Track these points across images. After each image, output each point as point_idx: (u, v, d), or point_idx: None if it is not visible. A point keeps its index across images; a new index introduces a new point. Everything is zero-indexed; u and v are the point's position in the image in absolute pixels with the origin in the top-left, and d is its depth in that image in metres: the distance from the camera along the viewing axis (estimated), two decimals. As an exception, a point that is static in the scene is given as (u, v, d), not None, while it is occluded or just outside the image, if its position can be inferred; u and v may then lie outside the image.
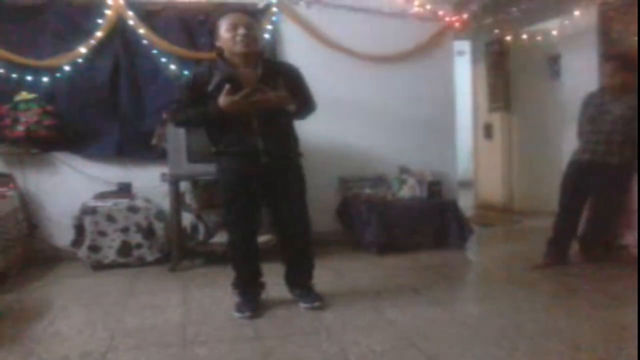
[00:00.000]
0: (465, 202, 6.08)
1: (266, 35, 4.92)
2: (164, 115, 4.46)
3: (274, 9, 4.99)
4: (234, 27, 3.00)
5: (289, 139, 3.24)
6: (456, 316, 3.15)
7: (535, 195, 6.37)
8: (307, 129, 4.89)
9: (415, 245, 4.72)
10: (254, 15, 4.91)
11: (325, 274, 3.95)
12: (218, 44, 3.10)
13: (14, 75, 4.56)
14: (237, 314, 3.13)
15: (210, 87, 3.00)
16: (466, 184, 7.02)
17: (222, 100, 2.92)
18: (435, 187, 5.05)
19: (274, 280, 3.47)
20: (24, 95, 4.48)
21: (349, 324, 2.99)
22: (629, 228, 4.25)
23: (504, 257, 4.68)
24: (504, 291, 3.62)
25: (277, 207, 3.26)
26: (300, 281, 3.36)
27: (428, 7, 5.28)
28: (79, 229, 4.31)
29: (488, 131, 7.05)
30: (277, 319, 3.12)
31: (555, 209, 4.26)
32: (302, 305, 3.26)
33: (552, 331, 2.82)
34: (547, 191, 5.97)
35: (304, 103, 3.22)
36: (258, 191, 3.17)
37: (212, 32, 3.15)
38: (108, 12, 4.68)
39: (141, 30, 4.73)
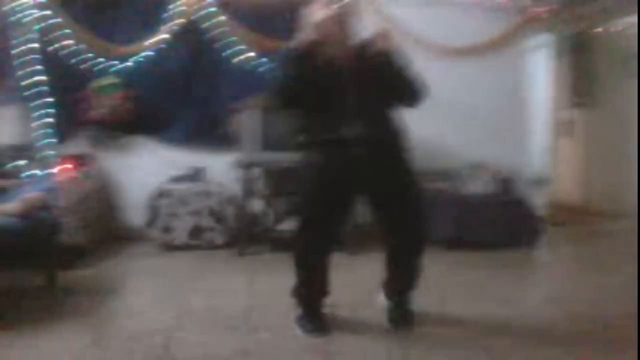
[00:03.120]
0: (540, 200, 5.88)
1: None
2: (240, 103, 4.54)
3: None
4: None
5: (392, 126, 2.78)
6: (524, 317, 3.06)
7: (614, 196, 6.06)
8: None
9: (485, 242, 4.60)
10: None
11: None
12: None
13: (100, 60, 4.74)
14: (301, 332, 2.77)
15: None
16: (542, 181, 6.78)
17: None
18: (508, 184, 4.92)
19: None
20: (107, 79, 4.67)
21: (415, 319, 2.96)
22: None
23: (575, 259, 4.51)
24: (575, 294, 3.51)
25: (383, 209, 2.83)
26: (399, 288, 2.93)
27: (508, -2, 5.11)
28: (154, 210, 4.46)
29: (567, 128, 6.78)
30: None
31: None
32: (387, 321, 2.88)
33: (627, 340, 2.70)
34: (627, 193, 5.72)
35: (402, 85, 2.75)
36: (351, 192, 2.79)
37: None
38: (188, -1, 4.80)
39: (220, 18, 4.81)
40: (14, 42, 4.58)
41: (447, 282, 3.72)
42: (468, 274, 3.95)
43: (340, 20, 2.62)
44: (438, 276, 3.87)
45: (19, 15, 4.60)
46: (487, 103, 5.21)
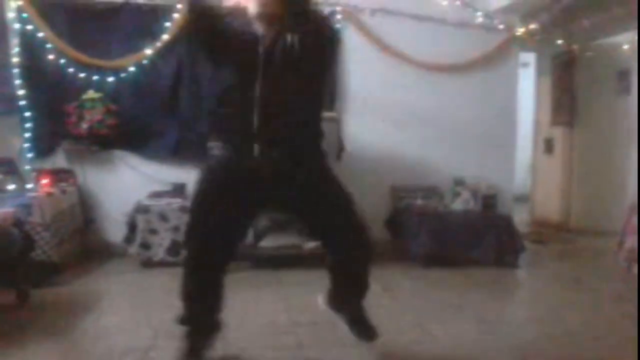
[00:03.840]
0: (520, 217, 5.91)
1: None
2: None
3: (338, 16, 4.98)
4: None
5: (310, 136, 2.39)
6: (503, 337, 3.04)
7: (593, 213, 6.10)
8: (361, 136, 4.93)
9: (465, 260, 4.59)
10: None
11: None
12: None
13: (83, 75, 4.70)
14: None
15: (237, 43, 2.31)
16: (522, 199, 6.81)
17: None
18: (489, 201, 4.93)
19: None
20: (90, 94, 4.64)
21: (390, 338, 2.92)
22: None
23: (555, 277, 4.51)
24: (554, 314, 3.49)
25: (315, 224, 2.53)
26: (350, 303, 2.63)
27: (494, 17, 5.14)
28: (132, 226, 4.41)
29: (548, 145, 6.83)
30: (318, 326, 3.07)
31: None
32: (352, 335, 2.64)
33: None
34: (605, 210, 5.76)
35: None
36: (252, 208, 2.45)
37: None
38: (176, 15, 4.77)
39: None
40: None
41: (425, 300, 3.70)
42: (447, 292, 3.93)
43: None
44: (416, 294, 3.86)
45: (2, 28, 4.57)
46: (475, 120, 5.25)
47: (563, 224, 6.51)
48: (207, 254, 2.35)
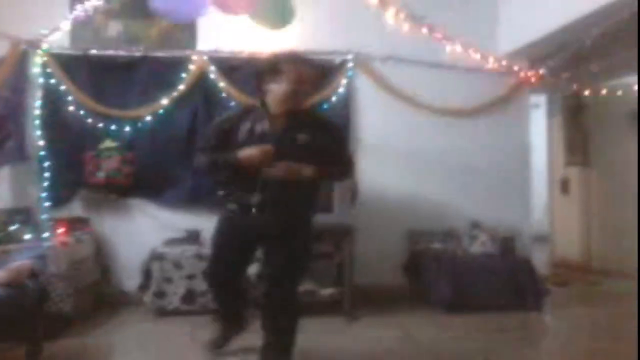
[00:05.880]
0: (541, 259, 5.79)
1: (340, 90, 5.01)
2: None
3: (350, 64, 5.04)
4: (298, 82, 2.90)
5: (301, 204, 2.96)
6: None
7: (615, 254, 6.00)
8: (377, 180, 4.92)
9: (486, 305, 4.48)
10: (330, 71, 5.02)
11: (390, 331, 3.88)
12: (266, 88, 3.00)
13: (101, 125, 4.77)
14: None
15: (241, 137, 2.91)
16: (541, 239, 6.71)
17: (243, 151, 2.82)
18: (508, 244, 4.86)
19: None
20: (107, 143, 4.68)
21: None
22: None
23: (579, 322, 4.40)
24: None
25: (267, 263, 3.15)
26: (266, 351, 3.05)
27: (504, 62, 5.17)
28: (147, 274, 4.38)
29: (565, 186, 6.78)
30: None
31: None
32: None
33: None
34: (626, 251, 5.66)
35: (331, 165, 2.94)
36: (251, 248, 3.15)
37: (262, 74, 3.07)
38: (192, 67, 4.86)
39: (221, 84, 4.86)
40: (16, 105, 4.63)
41: (447, 347, 3.62)
42: (469, 338, 3.85)
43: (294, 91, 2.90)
44: (437, 341, 3.78)
45: (23, 80, 4.68)
46: (489, 162, 5.23)
47: (585, 265, 6.40)
48: (221, 275, 3.22)
